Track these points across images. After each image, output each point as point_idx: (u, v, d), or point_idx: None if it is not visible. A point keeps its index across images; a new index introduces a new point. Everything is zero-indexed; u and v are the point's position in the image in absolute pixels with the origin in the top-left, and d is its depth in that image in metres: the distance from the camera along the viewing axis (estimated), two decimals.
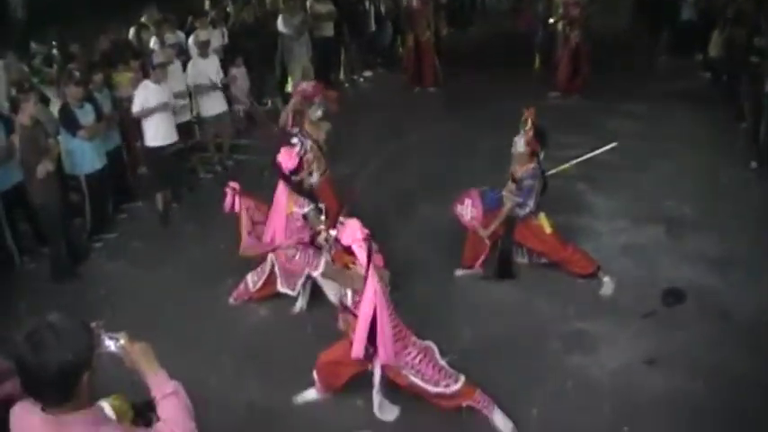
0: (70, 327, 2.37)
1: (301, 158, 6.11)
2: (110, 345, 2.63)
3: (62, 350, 2.30)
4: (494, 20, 19.81)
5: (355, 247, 4.42)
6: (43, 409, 2.43)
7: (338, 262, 4.84)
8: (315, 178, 6.27)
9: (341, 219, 5.29)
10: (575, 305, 6.29)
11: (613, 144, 7.05)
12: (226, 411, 5.11)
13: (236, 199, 6.27)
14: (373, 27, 14.67)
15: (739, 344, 5.64)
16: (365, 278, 4.39)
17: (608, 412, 5.02)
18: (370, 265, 4.38)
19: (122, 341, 2.64)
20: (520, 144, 6.28)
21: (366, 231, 4.47)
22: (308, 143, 6.76)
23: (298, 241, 6.14)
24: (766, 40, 9.37)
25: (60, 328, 2.34)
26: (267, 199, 6.27)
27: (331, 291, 6.00)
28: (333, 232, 4.85)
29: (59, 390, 2.36)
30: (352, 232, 4.45)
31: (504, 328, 6.07)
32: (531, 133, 6.21)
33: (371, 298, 4.39)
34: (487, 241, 6.58)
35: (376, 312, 4.41)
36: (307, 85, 7.55)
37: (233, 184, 6.31)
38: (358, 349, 4.57)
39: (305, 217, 6.02)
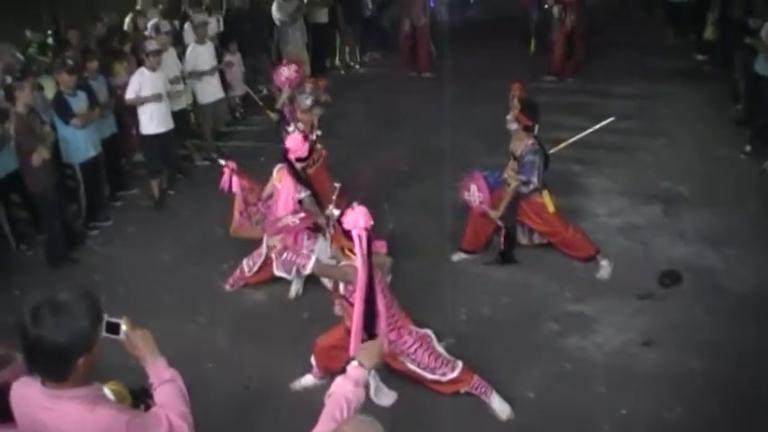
0: (73, 308, 2.35)
1: (311, 147, 6.04)
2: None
3: (57, 332, 2.29)
4: (490, 3, 19.71)
5: (355, 234, 4.26)
6: (43, 383, 2.45)
7: (335, 244, 4.79)
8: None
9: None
10: (572, 286, 6.30)
11: (611, 119, 7.03)
12: (222, 395, 5.13)
13: (233, 178, 6.29)
14: (368, 12, 14.60)
15: (736, 323, 5.65)
16: (359, 269, 4.27)
17: (605, 393, 5.04)
18: (365, 257, 4.25)
19: (124, 327, 2.64)
20: (510, 121, 6.30)
21: (371, 222, 4.32)
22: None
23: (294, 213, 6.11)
24: (761, 21, 9.34)
25: (63, 307, 2.33)
26: (263, 184, 6.30)
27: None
28: (336, 212, 4.82)
29: (53, 368, 2.38)
30: (356, 218, 4.28)
31: (500, 310, 6.09)
32: (518, 108, 6.21)
33: (362, 293, 4.30)
34: (500, 222, 6.52)
35: (370, 303, 4.35)
36: (289, 72, 7.53)
37: (230, 163, 6.32)
38: (355, 346, 4.56)
39: (300, 202, 6.00)
